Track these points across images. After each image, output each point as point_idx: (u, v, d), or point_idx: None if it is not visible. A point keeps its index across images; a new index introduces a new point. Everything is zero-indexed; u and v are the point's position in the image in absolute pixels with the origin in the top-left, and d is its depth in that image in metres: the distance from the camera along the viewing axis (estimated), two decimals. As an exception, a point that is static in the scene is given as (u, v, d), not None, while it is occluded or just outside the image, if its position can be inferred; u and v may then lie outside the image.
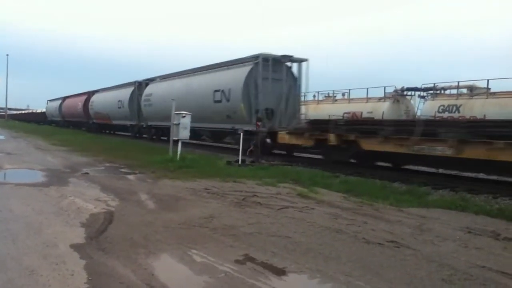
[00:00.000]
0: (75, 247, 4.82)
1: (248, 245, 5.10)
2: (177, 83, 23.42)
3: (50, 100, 60.50)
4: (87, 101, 39.63)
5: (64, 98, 49.97)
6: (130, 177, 10.71)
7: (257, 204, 7.59)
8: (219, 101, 18.76)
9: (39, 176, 10.30)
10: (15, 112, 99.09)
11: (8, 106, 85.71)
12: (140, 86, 28.97)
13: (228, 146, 21.07)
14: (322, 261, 4.63)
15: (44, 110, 63.89)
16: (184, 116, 14.53)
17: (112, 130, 37.39)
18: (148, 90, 27.10)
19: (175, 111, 14.95)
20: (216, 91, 19.04)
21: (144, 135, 29.37)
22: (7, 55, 79.61)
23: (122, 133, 34.96)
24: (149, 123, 27.06)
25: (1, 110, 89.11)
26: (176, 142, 14.46)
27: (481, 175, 12.42)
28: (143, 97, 27.08)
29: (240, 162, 13.74)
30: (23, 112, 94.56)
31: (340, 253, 4.92)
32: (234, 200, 7.82)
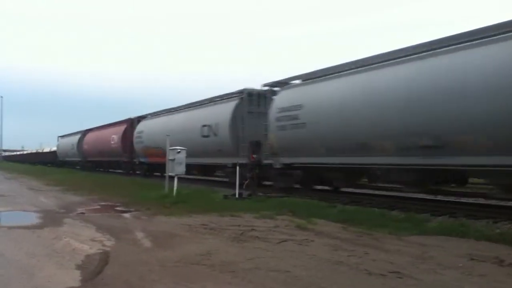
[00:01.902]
0: (69, 290, 4.67)
1: (247, 281, 4.97)
2: (393, 72, 11.39)
3: (62, 136, 50.11)
4: (127, 132, 29.23)
5: (85, 132, 39.80)
6: (126, 215, 10.56)
7: (255, 238, 7.46)
8: None
9: (33, 218, 10.13)
10: (9, 153, 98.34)
11: (2, 148, 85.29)
12: (251, 98, 17.47)
13: (224, 180, 20.75)
14: (324, 296, 4.50)
15: (54, 148, 52.71)
16: (179, 152, 14.48)
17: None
18: (284, 100, 15.02)
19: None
20: None
21: (266, 182, 16.91)
22: (1, 97, 79.21)
23: (200, 177, 22.97)
24: (289, 161, 14.71)
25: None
26: (172, 177, 14.38)
27: (481, 200, 12.34)
28: (273, 115, 15.12)
29: (237, 196, 13.63)
30: (24, 152, 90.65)
31: (341, 286, 4.80)
32: (231, 235, 7.68)
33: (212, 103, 20.26)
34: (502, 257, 5.93)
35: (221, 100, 19.54)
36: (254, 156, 15.36)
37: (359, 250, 6.50)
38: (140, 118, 28.68)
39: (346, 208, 11.05)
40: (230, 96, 18.84)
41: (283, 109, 14.62)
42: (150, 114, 28.03)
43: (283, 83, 15.95)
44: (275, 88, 16.19)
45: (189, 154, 18.87)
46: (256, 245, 6.88)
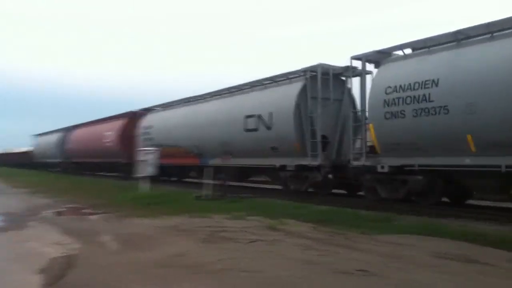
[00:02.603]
0: (31, 295, 4.48)
1: (219, 282, 4.87)
2: None
3: (40, 135, 44.10)
4: (127, 129, 24.62)
5: (70, 129, 34.78)
6: (94, 217, 10.30)
7: (226, 239, 7.36)
8: None
9: (-4, 221, 9.78)
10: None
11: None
12: (325, 78, 13.44)
13: (195, 181, 20.47)
14: (295, 296, 4.44)
15: (30, 148, 46.78)
16: (150, 153, 14.35)
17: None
18: (397, 75, 10.86)
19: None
20: None
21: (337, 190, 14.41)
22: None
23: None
24: (401, 162, 10.72)
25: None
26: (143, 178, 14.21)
27: (445, 199, 12.48)
28: (376, 97, 11.15)
29: (209, 197, 13.49)
30: None
31: (312, 284, 4.74)
32: (202, 236, 7.56)
33: (261, 87, 15.55)
34: (470, 255, 6.00)
35: (274, 82, 15.08)
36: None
37: (330, 249, 6.47)
38: (145, 111, 24.29)
39: (319, 208, 11.02)
40: (290, 76, 14.38)
41: (397, 88, 10.55)
42: (159, 105, 23.49)
43: (386, 54, 11.65)
44: (368, 64, 12.05)
45: (221, 154, 15.80)
46: (227, 246, 6.79)
